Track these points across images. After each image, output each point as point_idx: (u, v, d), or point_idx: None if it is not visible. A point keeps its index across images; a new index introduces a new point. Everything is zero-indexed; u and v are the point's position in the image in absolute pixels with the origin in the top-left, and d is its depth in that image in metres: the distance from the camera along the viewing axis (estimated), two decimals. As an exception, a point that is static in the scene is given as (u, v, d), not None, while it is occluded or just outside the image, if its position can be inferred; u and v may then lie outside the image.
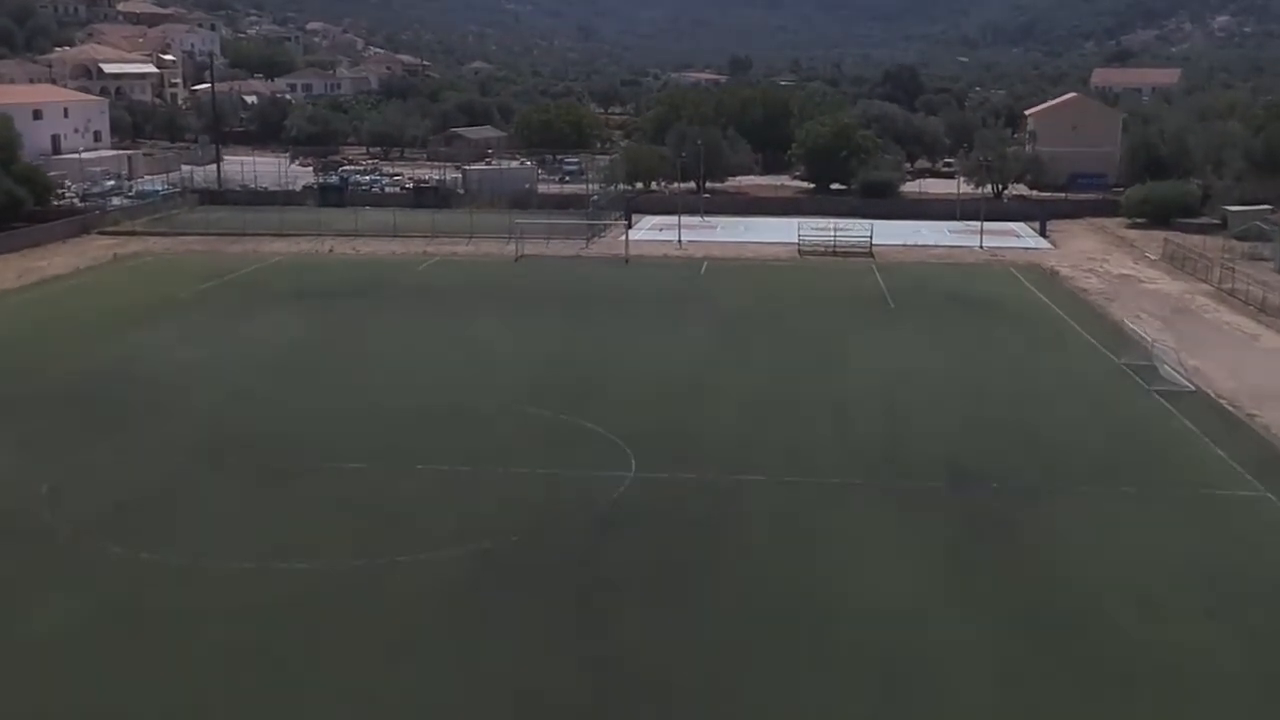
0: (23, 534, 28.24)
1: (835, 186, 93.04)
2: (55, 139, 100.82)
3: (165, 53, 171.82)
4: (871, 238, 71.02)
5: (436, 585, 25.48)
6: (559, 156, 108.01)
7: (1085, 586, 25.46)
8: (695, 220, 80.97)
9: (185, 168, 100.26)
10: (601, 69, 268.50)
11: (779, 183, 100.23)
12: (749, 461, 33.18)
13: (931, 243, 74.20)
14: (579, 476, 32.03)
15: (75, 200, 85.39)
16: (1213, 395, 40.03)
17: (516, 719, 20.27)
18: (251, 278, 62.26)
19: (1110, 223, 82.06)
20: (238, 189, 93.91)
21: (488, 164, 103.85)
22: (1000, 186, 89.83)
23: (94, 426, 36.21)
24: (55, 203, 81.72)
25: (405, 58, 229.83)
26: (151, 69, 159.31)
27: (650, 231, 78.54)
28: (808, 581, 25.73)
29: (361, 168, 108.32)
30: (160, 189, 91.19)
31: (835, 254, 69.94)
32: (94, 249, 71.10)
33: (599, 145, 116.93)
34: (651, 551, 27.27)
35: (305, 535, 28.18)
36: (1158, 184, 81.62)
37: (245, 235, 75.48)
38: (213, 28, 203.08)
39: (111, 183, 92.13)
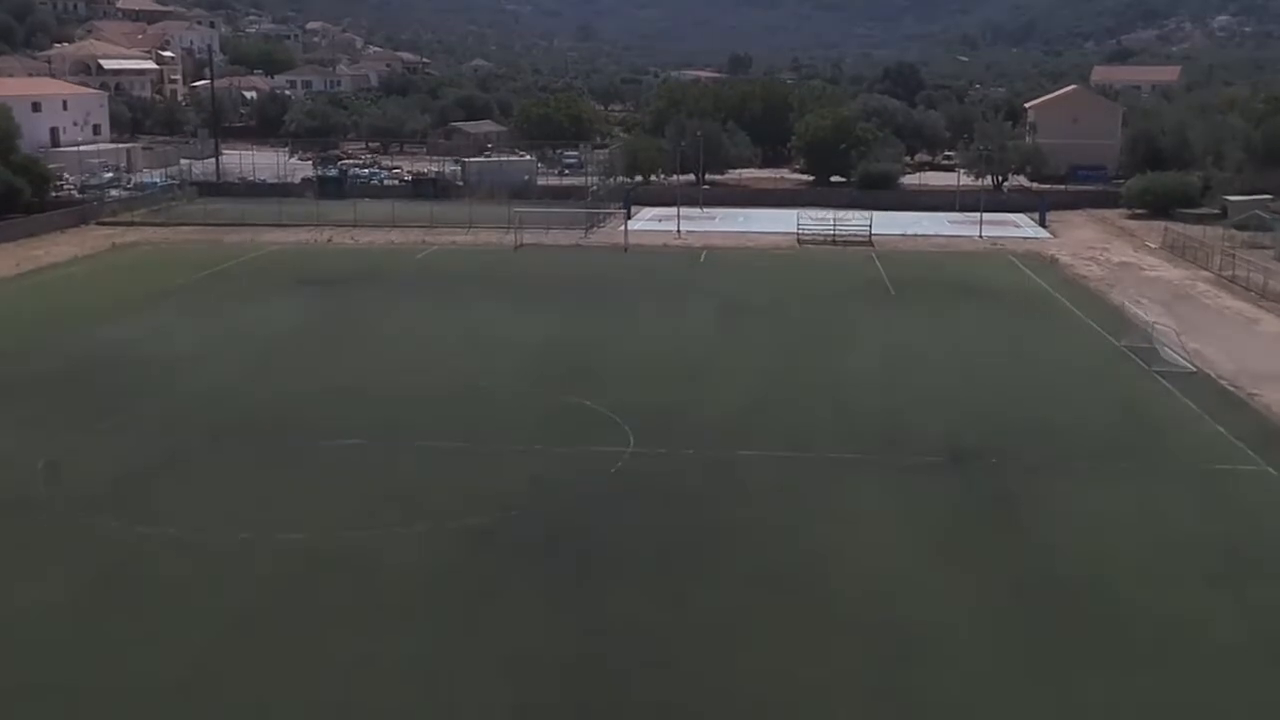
0: (17, 507, 28.10)
1: (835, 179, 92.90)
2: (54, 132, 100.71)
3: (164, 49, 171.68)
4: (871, 227, 71.01)
5: (435, 556, 25.33)
6: (558, 150, 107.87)
7: (1085, 556, 25.32)
8: (695, 211, 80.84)
9: (184, 161, 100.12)
10: (601, 68, 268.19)
11: (778, 176, 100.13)
12: (748, 438, 33.06)
13: (931, 232, 74.09)
14: (577, 452, 31.90)
15: (74, 191, 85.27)
16: (1213, 376, 39.90)
17: (514, 682, 20.08)
18: (250, 266, 62.16)
19: (1110, 213, 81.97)
20: (236, 182, 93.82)
21: (487, 157, 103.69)
22: (1000, 178, 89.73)
23: (90, 406, 36.07)
24: (53, 194, 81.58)
25: (405, 55, 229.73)
26: (151, 65, 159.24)
27: (649, 222, 78.42)
28: (807, 550, 25.62)
29: (360, 161, 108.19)
30: (159, 181, 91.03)
31: (835, 243, 69.82)
32: (92, 239, 71.00)
33: (598, 140, 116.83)
34: (650, 522, 27.13)
35: (302, 508, 28.03)
36: (1158, 175, 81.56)
37: (243, 225, 75.32)
38: (212, 25, 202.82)
39: (110, 175, 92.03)
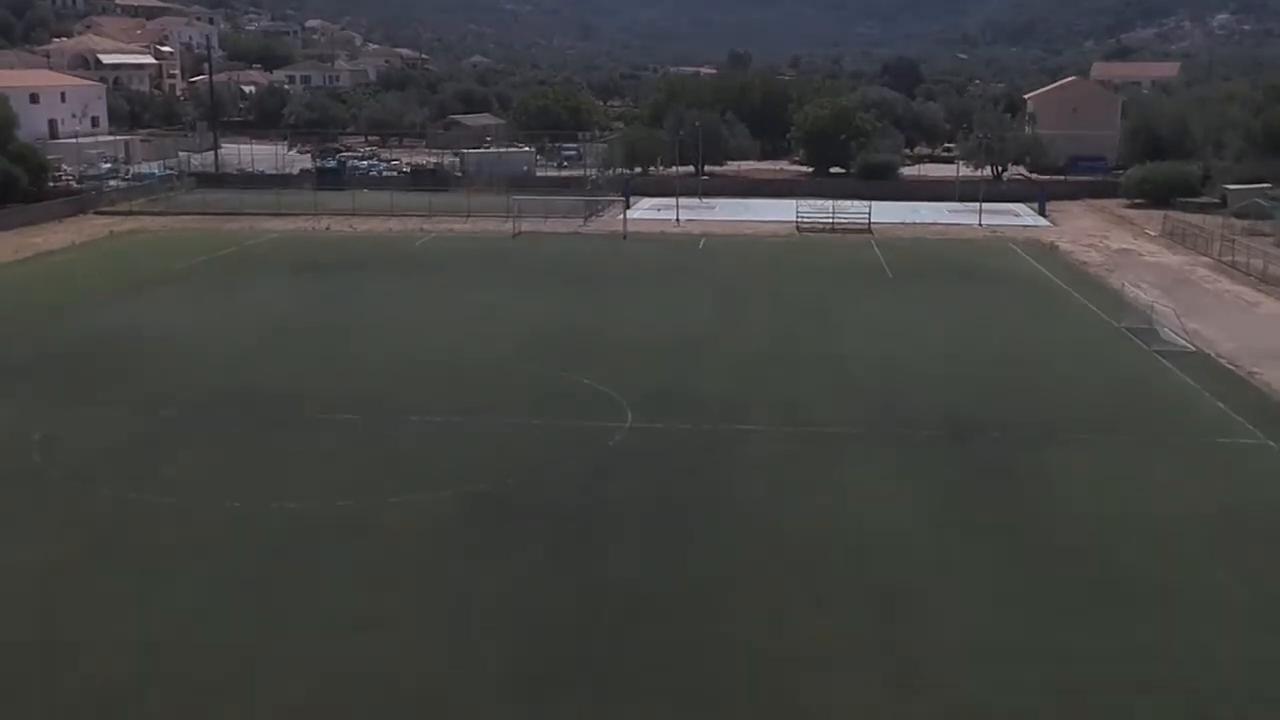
0: (12, 476, 27.97)
1: (834, 170, 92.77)
2: (52, 123, 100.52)
3: (163, 45, 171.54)
4: (870, 216, 70.85)
5: (429, 522, 25.21)
6: (557, 144, 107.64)
7: (1085, 522, 25.21)
8: (693, 201, 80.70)
9: (182, 154, 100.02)
10: (600, 65, 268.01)
11: (778, 167, 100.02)
12: (747, 414, 32.93)
13: (930, 221, 73.97)
14: (574, 426, 31.77)
15: (72, 182, 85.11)
16: (1213, 355, 39.77)
17: (508, 640, 19.94)
18: (248, 252, 62.03)
19: (1110, 203, 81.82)
20: (234, 173, 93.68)
21: (485, 149, 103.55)
22: (999, 169, 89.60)
23: (87, 383, 35.95)
24: (51, 184, 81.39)
25: (404, 51, 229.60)
26: (149, 60, 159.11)
27: (648, 211, 78.26)
28: (805, 515, 25.50)
29: (359, 154, 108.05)
30: (157, 171, 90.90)
31: (834, 230, 69.70)
32: (90, 227, 70.85)
33: (597, 133, 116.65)
34: (648, 491, 27.01)
35: (297, 478, 27.92)
36: (1157, 164, 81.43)
37: (241, 214, 75.23)
38: (210, 21, 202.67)
39: (109, 165, 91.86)
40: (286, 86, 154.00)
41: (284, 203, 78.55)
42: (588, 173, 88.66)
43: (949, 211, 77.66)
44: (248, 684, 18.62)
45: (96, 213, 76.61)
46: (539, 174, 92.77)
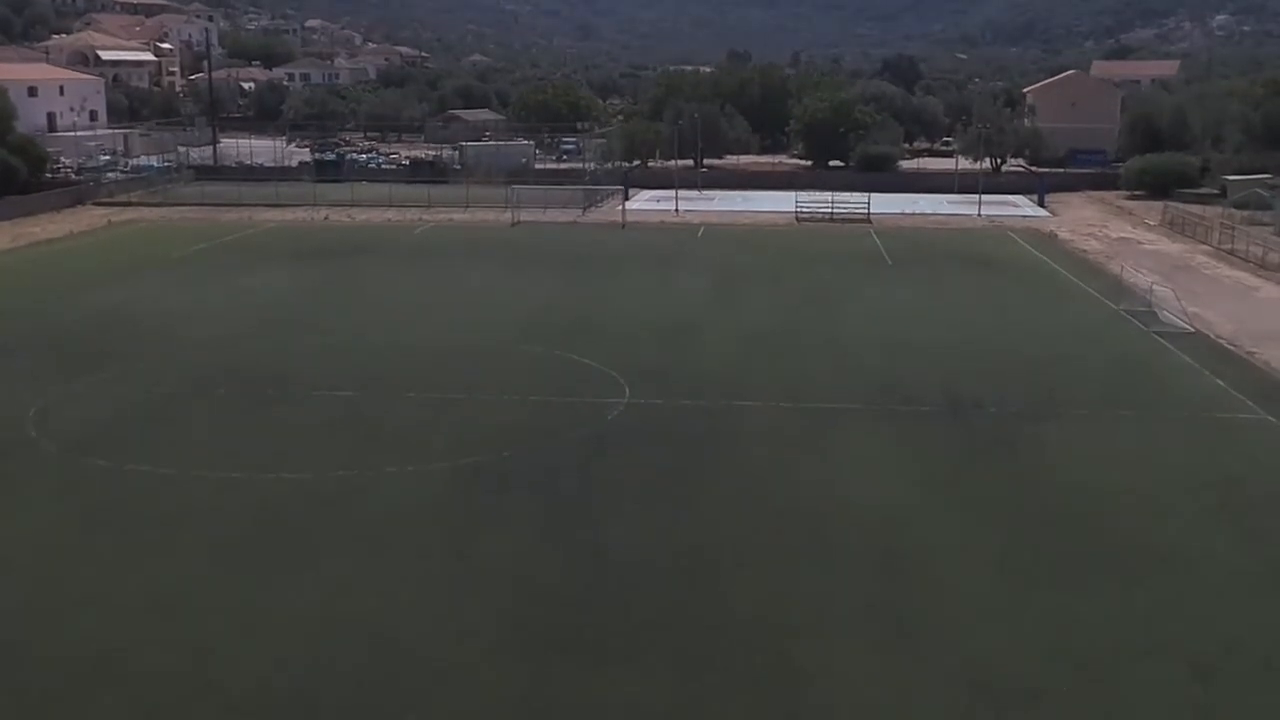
0: (7, 450, 27.84)
1: (833, 163, 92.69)
2: (51, 116, 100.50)
3: (162, 42, 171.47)
4: (869, 207, 70.81)
5: (426, 491, 25.10)
6: (556, 138, 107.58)
7: (1085, 491, 25.11)
8: (692, 193, 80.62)
9: (181, 148, 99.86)
10: (600, 64, 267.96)
11: (776, 161, 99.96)
12: (745, 390, 32.82)
13: (929, 211, 73.88)
14: (572, 402, 31.68)
15: (70, 173, 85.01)
16: (1212, 336, 39.67)
17: (505, 603, 19.84)
18: (246, 240, 61.96)
19: (1109, 195, 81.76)
20: (233, 166, 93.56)
21: (485, 142, 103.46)
22: (998, 161, 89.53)
23: (84, 361, 35.81)
24: (49, 175, 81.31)
25: (404, 49, 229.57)
26: (149, 57, 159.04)
27: (647, 202, 78.23)
28: (805, 485, 25.41)
29: (358, 148, 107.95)
30: (156, 164, 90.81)
31: (833, 220, 69.65)
32: (88, 217, 70.77)
33: (596, 129, 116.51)
34: (646, 462, 26.91)
35: (293, 450, 27.82)
36: (1156, 155, 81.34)
37: (240, 205, 75.12)
38: (210, 19, 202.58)
39: (107, 158, 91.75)
40: (286, 84, 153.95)
41: (282, 194, 78.47)
42: (586, 165, 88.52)
43: (948, 203, 77.61)
44: (244, 639, 18.52)
45: (95, 204, 76.51)
46: (538, 167, 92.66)
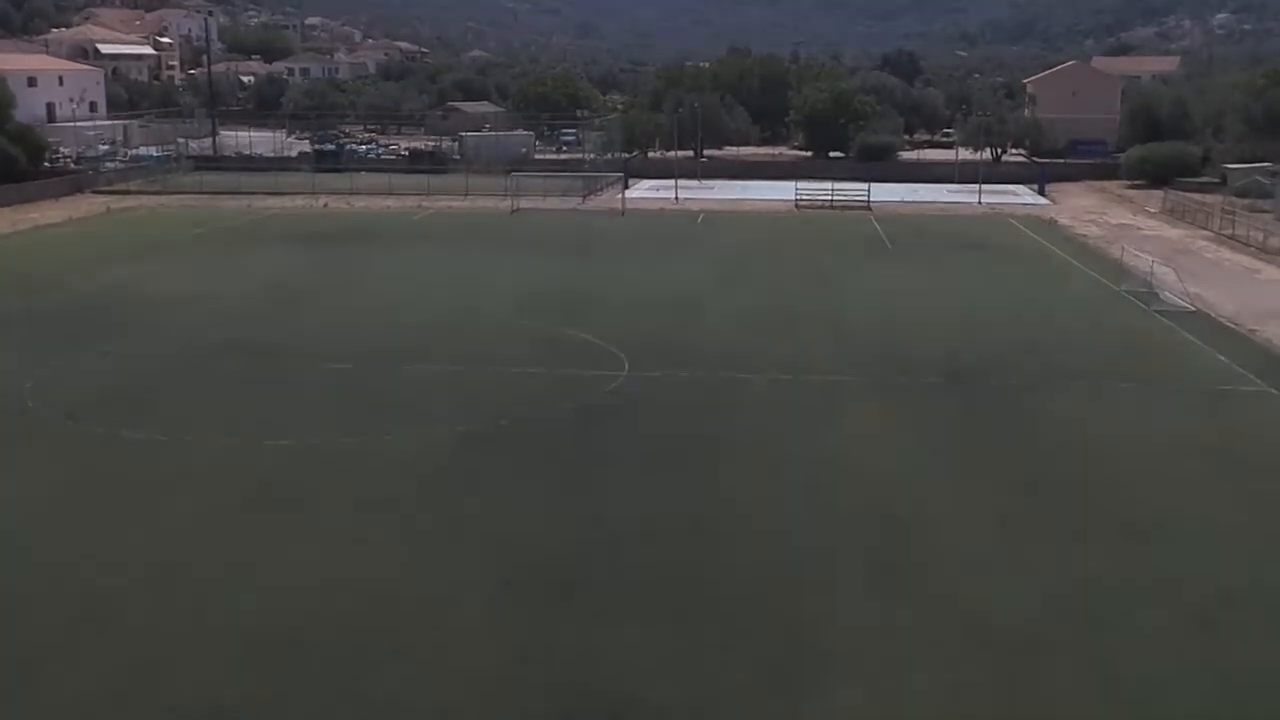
0: (4, 416, 27.73)
1: (834, 154, 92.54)
2: (50, 107, 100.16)
3: (162, 36, 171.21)
4: (869, 195, 70.71)
5: (426, 456, 25.00)
6: (556, 130, 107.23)
7: (1085, 455, 25.04)
8: (692, 183, 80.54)
9: (180, 140, 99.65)
10: (600, 61, 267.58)
11: (777, 152, 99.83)
12: (746, 364, 32.69)
13: (929, 200, 73.77)
14: (571, 375, 31.57)
15: (70, 162, 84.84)
16: (1213, 315, 39.58)
17: (505, 559, 19.72)
18: (246, 225, 61.82)
19: (1110, 184, 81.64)
20: (232, 156, 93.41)
21: (485, 133, 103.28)
22: (998, 151, 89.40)
23: (82, 336, 35.68)
24: (48, 164, 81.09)
25: (404, 44, 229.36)
26: (149, 51, 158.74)
27: (646, 191, 78.10)
28: (804, 451, 25.31)
29: (358, 139, 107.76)
30: (155, 153, 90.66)
31: (833, 208, 69.54)
32: (87, 205, 70.59)
33: (596, 123, 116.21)
34: (645, 430, 26.82)
35: (291, 418, 27.72)
36: (1157, 145, 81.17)
37: (239, 194, 74.91)
38: (209, 14, 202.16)
39: (106, 148, 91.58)
40: (286, 78, 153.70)
41: (282, 183, 78.41)
42: (586, 155, 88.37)
43: (948, 191, 77.52)
44: (240, 590, 18.44)
45: (93, 192, 76.28)
46: (537, 158, 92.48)
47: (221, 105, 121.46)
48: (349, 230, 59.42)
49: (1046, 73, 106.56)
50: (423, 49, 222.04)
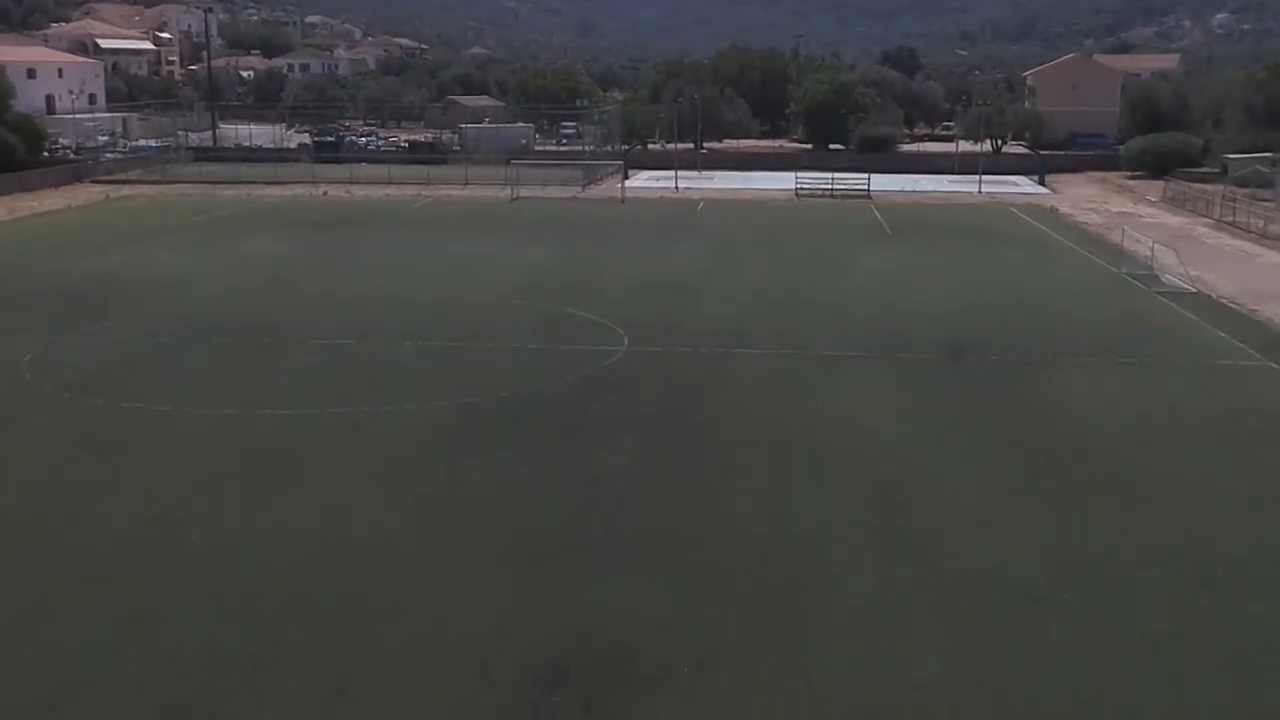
0: (1, 390, 27.65)
1: (834, 146, 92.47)
2: (49, 99, 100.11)
3: (162, 31, 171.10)
4: (869, 185, 70.63)
5: (424, 426, 24.89)
6: (556, 111, 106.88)
7: (1086, 425, 24.96)
8: (692, 174, 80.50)
9: (180, 133, 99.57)
10: (600, 59, 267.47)
11: (777, 145, 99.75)
12: (746, 340, 32.62)
13: (929, 189, 73.71)
14: (570, 350, 31.50)
15: (69, 153, 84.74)
16: (1214, 296, 39.50)
17: (502, 521, 19.62)
18: (245, 212, 61.73)
19: (1111, 175, 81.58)
20: (232, 147, 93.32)
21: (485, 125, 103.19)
22: (999, 142, 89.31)
23: (80, 315, 35.51)
24: (46, 154, 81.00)
25: (403, 41, 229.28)
26: (148, 46, 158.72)
27: (646, 181, 78.08)
28: (805, 420, 25.21)
29: (357, 132, 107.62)
30: (155, 144, 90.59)
31: (833, 196, 69.46)
32: (86, 193, 70.55)
33: (596, 116, 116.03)
34: (645, 401, 26.75)
35: (289, 390, 27.63)
36: (1157, 135, 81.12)
37: (239, 183, 74.93)
38: (209, 10, 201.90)
39: (106, 139, 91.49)
40: (286, 73, 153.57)
41: (281, 173, 78.40)
42: (585, 147, 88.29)
43: (948, 182, 77.48)
44: (235, 550, 18.35)
45: (93, 181, 76.27)
46: (537, 149, 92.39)
47: (221, 100, 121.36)
48: (348, 217, 59.36)
49: (1046, 65, 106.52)
50: (423, 45, 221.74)
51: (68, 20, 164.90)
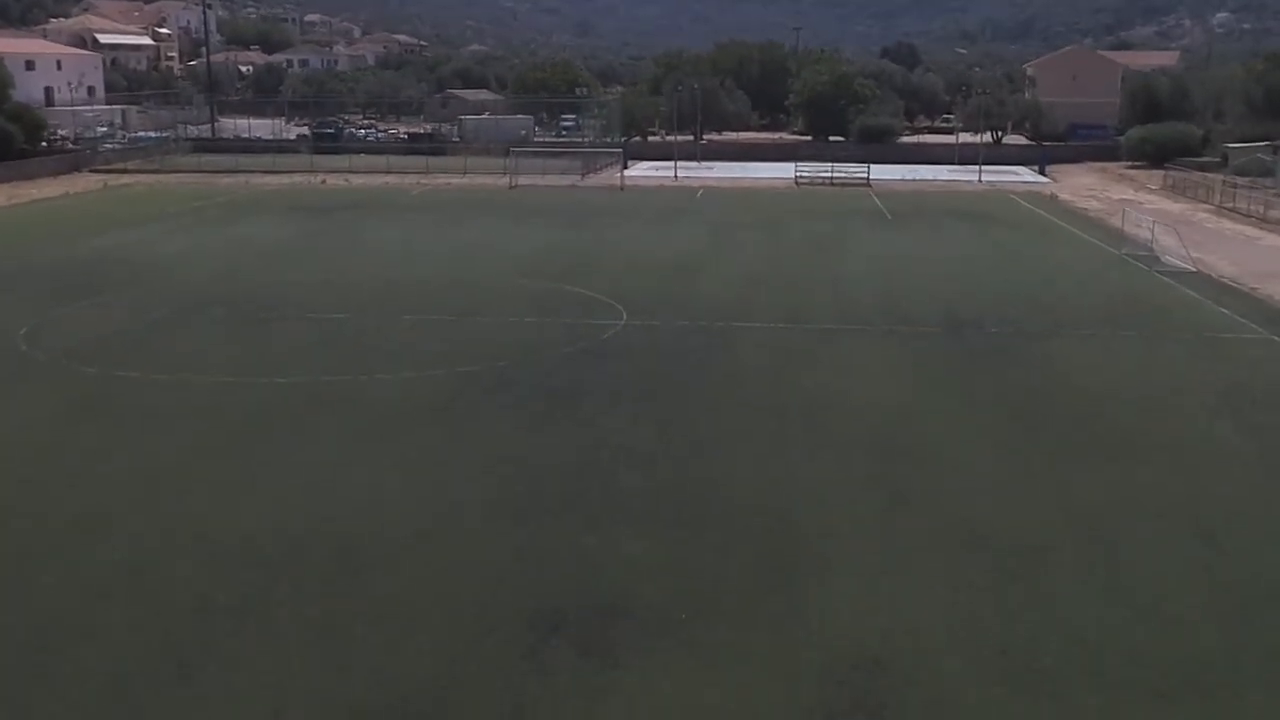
0: (-2, 357, 27.60)
1: (834, 138, 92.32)
2: (48, 91, 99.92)
3: (161, 27, 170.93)
4: (869, 173, 70.53)
5: (421, 393, 24.78)
6: (556, 103, 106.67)
7: (1086, 392, 24.84)
8: (692, 164, 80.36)
9: (180, 125, 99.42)
10: (599, 56, 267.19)
11: (777, 136, 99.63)
12: (745, 314, 32.53)
13: (929, 178, 73.58)
14: (569, 323, 31.40)
15: (68, 142, 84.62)
16: (1215, 276, 39.38)
17: (498, 480, 19.51)
18: (244, 199, 61.59)
19: (1111, 165, 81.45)
20: (231, 139, 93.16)
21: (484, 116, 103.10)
22: (999, 133, 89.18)
23: (78, 292, 35.41)
24: (45, 144, 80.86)
25: (402, 37, 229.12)
26: (147, 41, 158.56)
27: (646, 170, 77.97)
28: (804, 387, 25.11)
29: (356, 125, 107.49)
30: (154, 135, 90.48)
31: (832, 184, 69.35)
32: (85, 181, 70.43)
33: (596, 108, 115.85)
34: (643, 370, 26.64)
35: (287, 360, 27.53)
36: (1158, 125, 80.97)
37: (237, 172, 74.77)
38: (208, 6, 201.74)
39: (105, 129, 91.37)
40: (285, 68, 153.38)
41: (280, 162, 78.29)
42: (584, 139, 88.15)
43: (948, 171, 77.34)
44: (232, 506, 18.25)
45: (91, 170, 76.15)
46: (536, 141, 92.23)
47: (220, 94, 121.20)
48: (347, 203, 59.24)
49: (1046, 57, 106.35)
50: (422, 42, 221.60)
51: (67, 16, 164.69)
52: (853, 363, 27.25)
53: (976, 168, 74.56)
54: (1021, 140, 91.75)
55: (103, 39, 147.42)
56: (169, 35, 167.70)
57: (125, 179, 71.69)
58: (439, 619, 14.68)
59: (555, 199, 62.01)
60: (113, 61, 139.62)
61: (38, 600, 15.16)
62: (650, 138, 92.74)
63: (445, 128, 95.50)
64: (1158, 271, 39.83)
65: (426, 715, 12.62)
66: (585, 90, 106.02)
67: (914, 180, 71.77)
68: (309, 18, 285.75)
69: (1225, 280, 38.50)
